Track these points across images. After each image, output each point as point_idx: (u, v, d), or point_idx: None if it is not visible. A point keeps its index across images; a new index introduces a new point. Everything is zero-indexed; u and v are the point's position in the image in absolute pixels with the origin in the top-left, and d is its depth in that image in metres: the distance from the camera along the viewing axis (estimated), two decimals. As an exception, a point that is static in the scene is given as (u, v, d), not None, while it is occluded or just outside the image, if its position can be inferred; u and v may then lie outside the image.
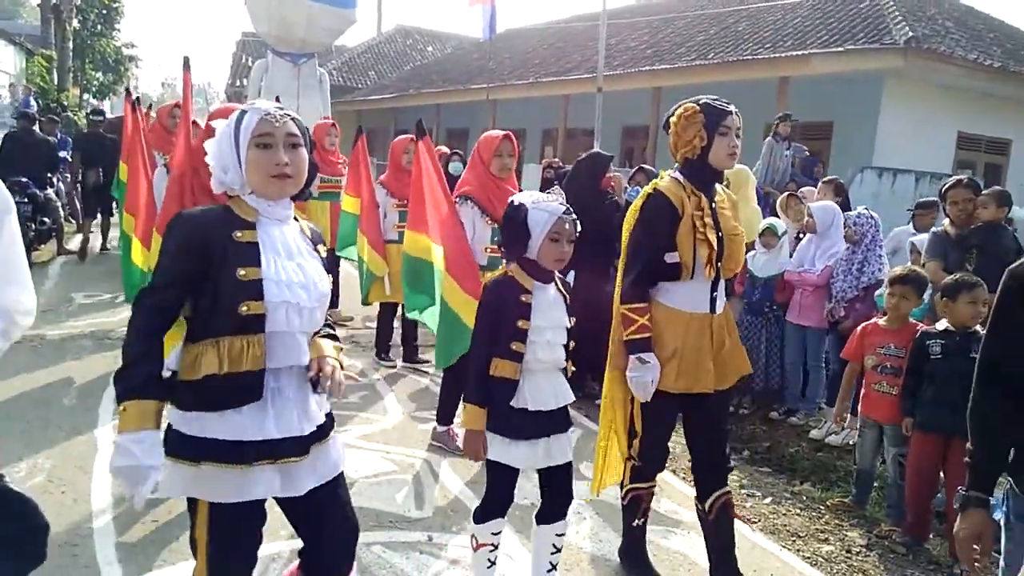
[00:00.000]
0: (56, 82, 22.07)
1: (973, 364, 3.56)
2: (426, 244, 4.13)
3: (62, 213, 9.99)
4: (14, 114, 11.68)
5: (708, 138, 2.80)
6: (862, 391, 4.21)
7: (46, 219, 9.03)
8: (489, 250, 4.08)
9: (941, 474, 3.78)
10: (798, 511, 4.11)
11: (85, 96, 26.54)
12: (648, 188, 2.93)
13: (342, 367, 2.06)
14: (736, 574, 3.05)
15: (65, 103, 19.80)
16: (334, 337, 2.15)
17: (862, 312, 5.05)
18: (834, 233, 5.38)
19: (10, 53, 22.86)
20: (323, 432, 2.05)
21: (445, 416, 4.35)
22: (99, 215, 10.11)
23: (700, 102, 2.84)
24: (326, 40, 13.46)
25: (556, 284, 2.67)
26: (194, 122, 5.01)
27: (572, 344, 2.66)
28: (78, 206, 11.71)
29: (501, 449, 2.60)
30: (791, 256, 5.64)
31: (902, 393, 3.87)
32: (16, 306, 1.99)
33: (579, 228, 2.59)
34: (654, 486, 3.13)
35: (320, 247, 2.10)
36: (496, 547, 2.75)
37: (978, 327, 3.63)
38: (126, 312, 7.05)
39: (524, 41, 21.27)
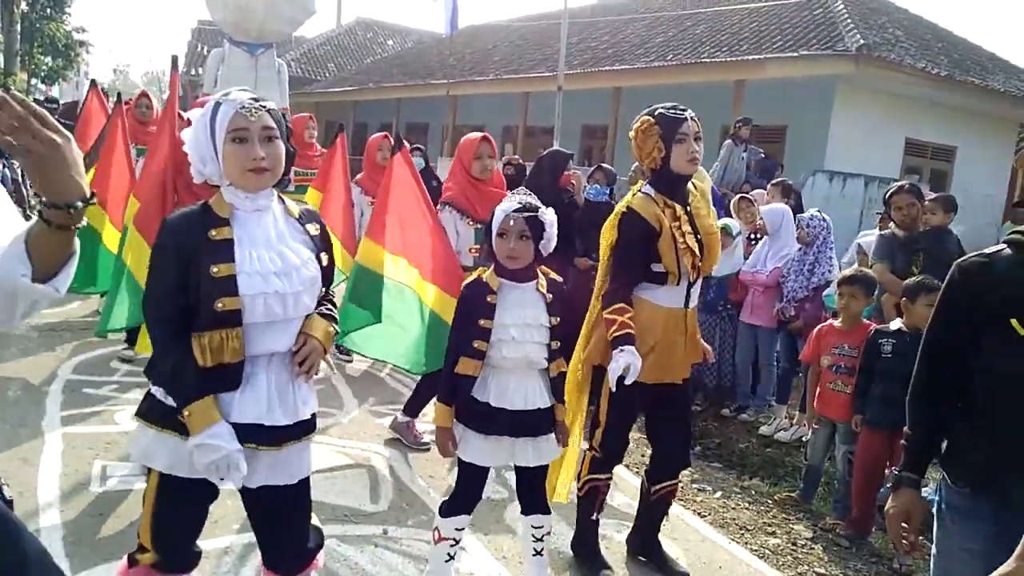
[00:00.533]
0: (3, 66, 21.42)
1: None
2: (381, 257, 4.08)
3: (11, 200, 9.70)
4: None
5: (666, 148, 2.86)
6: (816, 389, 4.31)
7: (-8, 206, 8.77)
8: (473, 251, 4.14)
9: (887, 471, 3.90)
10: (747, 505, 4.21)
11: (33, 81, 25.72)
12: (621, 206, 2.99)
13: (325, 351, 2.07)
14: (654, 537, 3.30)
15: (12, 87, 19.19)
16: (332, 318, 2.14)
17: (811, 312, 5.18)
18: (785, 234, 5.49)
19: (-47, 35, 22.08)
20: (300, 430, 2.04)
21: (412, 409, 4.34)
22: None
23: (655, 112, 2.89)
24: (285, 30, 13.24)
25: (537, 284, 2.67)
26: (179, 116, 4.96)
27: (556, 344, 2.67)
28: (25, 194, 11.44)
29: (463, 441, 2.65)
30: (745, 257, 5.75)
31: (855, 391, 3.97)
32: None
33: (541, 225, 2.59)
34: (611, 478, 3.20)
35: (310, 226, 2.09)
36: (457, 542, 2.78)
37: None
38: (72, 304, 6.84)
39: (486, 38, 21.27)
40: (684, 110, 2.90)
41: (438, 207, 4.20)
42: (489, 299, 2.60)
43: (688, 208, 2.96)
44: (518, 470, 2.79)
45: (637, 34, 15.94)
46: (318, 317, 2.07)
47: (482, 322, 2.58)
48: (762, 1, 14.47)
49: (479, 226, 4.05)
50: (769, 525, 3.99)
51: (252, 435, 1.92)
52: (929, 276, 3.95)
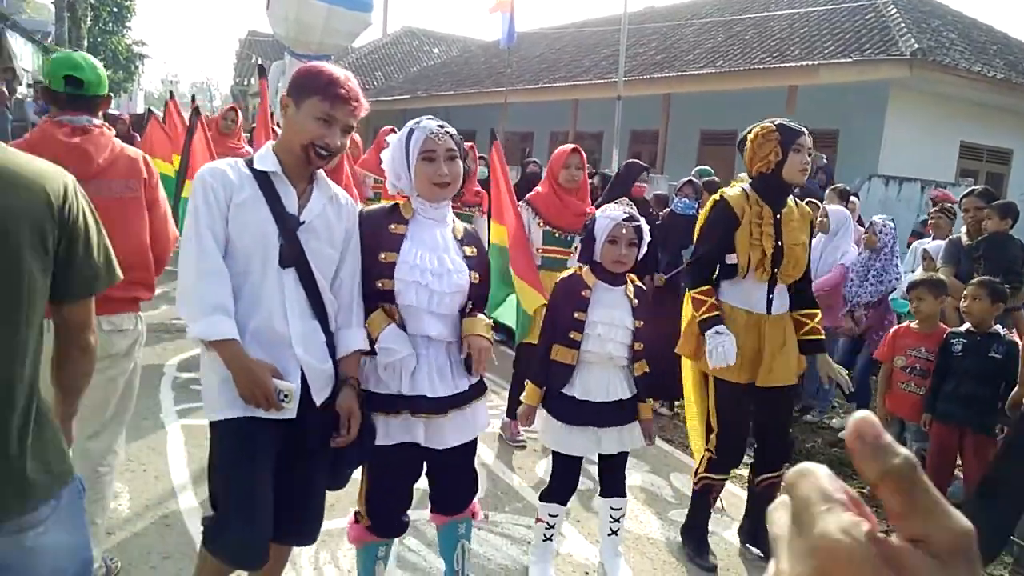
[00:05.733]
0: (69, 80, 22.12)
1: (990, 363, 3.80)
2: (503, 231, 4.46)
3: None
4: (37, 111, 11.84)
5: (783, 154, 3.10)
6: (888, 388, 4.41)
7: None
8: (541, 251, 4.41)
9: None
10: (818, 501, 4.37)
11: (96, 93, 26.55)
12: (716, 196, 3.28)
13: (490, 343, 2.40)
14: (761, 527, 3.43)
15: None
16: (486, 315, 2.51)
17: (875, 318, 5.32)
18: (843, 237, 5.63)
19: (28, 51, 22.72)
20: (463, 399, 2.41)
21: (512, 411, 4.66)
22: None
23: (776, 123, 3.14)
24: (342, 43, 13.70)
25: (626, 289, 2.93)
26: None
27: (640, 346, 2.92)
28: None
29: (553, 431, 2.93)
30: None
31: (929, 390, 4.07)
32: None
33: (645, 234, 2.86)
34: (727, 479, 3.42)
35: (468, 248, 2.43)
36: (552, 527, 3.07)
37: (998, 328, 3.91)
38: (165, 306, 7.22)
39: (533, 45, 21.53)
40: (802, 126, 3.15)
41: (520, 204, 4.54)
42: (584, 293, 2.87)
43: (778, 216, 3.18)
44: (601, 457, 3.05)
45: (685, 40, 16.04)
46: (478, 317, 2.41)
47: (577, 314, 2.85)
48: (813, 6, 14.50)
49: (548, 228, 4.39)
50: (842, 519, 4.15)
51: (420, 405, 2.31)
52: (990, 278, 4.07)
